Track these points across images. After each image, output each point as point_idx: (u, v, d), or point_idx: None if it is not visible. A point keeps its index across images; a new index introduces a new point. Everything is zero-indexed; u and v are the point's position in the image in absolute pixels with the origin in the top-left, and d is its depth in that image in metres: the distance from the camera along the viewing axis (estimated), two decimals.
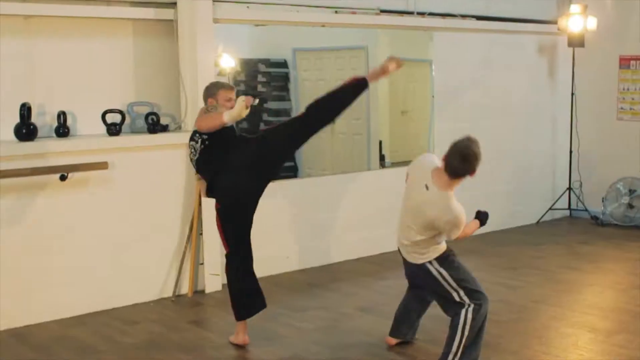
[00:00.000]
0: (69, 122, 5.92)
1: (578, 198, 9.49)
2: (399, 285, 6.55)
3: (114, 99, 6.17)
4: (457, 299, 4.71)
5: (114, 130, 6.02)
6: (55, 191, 5.73)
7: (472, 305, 4.66)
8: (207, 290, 6.44)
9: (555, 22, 9.13)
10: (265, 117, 8.76)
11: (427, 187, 4.64)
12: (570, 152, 9.45)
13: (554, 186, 9.63)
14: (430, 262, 4.80)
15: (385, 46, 8.43)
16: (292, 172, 8.63)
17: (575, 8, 8.88)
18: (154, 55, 6.38)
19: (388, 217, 7.81)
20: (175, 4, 6.30)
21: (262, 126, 8.73)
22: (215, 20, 6.42)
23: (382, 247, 7.81)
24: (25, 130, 5.63)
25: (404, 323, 5.20)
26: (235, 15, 6.67)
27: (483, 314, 4.70)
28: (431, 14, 8.08)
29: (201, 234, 6.39)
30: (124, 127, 6.11)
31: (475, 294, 4.71)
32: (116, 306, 6.04)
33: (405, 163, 8.38)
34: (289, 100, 8.85)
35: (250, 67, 8.70)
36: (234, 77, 8.61)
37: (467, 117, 8.56)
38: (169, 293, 6.31)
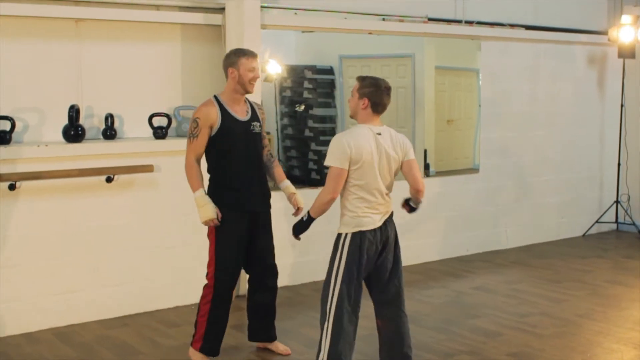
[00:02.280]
0: (116, 124, 5.99)
1: (625, 211, 9.34)
2: (441, 295, 6.55)
3: (161, 103, 6.22)
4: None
5: (160, 133, 6.07)
6: (102, 192, 5.80)
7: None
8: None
9: (605, 33, 9.02)
10: (310, 123, 8.77)
11: (379, 133, 4.35)
12: (619, 164, 9.30)
13: (601, 199, 9.49)
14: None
15: (432, 54, 8.39)
16: None
17: (626, 19, 8.75)
18: (201, 60, 6.42)
19: (431, 227, 7.79)
20: (223, 9, 6.33)
21: (307, 132, 8.74)
22: (263, 26, 6.44)
23: (425, 256, 7.78)
24: (74, 132, 5.70)
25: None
26: (282, 22, 6.69)
27: None
28: (479, 23, 8.03)
29: None
30: (170, 131, 6.16)
31: None
32: (158, 308, 6.09)
33: (450, 172, 8.41)
34: (335, 107, 8.84)
35: (297, 74, 8.71)
36: (280, 83, 8.64)
37: (514, 126, 8.49)
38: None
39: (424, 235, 7.76)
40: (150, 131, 6.09)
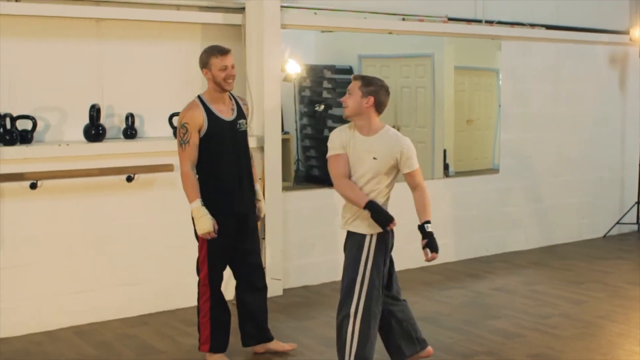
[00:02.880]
0: (137, 124, 6.01)
1: None
2: (460, 296, 6.52)
3: (181, 103, 6.14)
4: None
5: None
6: (122, 191, 5.82)
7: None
8: (268, 295, 6.42)
9: (627, 33, 8.96)
10: (330, 123, 8.76)
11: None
12: None
13: (622, 200, 9.42)
14: None
15: (452, 54, 8.37)
16: None
17: None
18: None
19: (451, 227, 7.77)
20: (243, 9, 6.35)
21: (326, 132, 8.73)
22: (283, 26, 6.45)
23: (444, 257, 7.73)
24: (94, 131, 5.72)
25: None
26: (302, 21, 6.70)
27: None
28: (499, 23, 8.01)
29: (264, 238, 6.41)
30: None
31: None
32: (178, 307, 6.10)
33: (470, 173, 8.38)
34: None
35: (316, 73, 8.70)
36: (299, 82, 8.64)
37: (534, 127, 8.45)
38: (229, 296, 6.31)
39: (443, 236, 7.71)
40: (170, 131, 6.11)
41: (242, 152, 4.89)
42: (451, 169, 8.36)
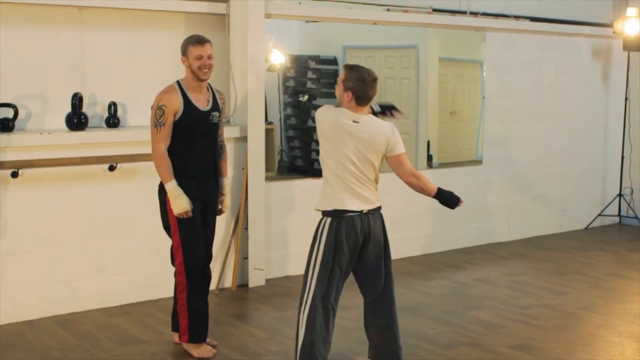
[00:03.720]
0: (119, 113, 5.97)
1: (629, 205, 9.33)
2: (442, 287, 6.55)
3: None
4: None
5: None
6: (104, 181, 5.80)
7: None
8: (251, 285, 6.46)
9: (610, 25, 8.99)
10: (313, 113, 8.74)
11: (355, 121, 4.32)
12: (622, 157, 9.29)
13: (604, 192, 9.47)
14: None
15: (436, 46, 8.38)
16: None
17: (631, 11, 8.72)
18: None
19: (433, 218, 7.78)
20: None
21: (310, 123, 8.72)
22: (267, 16, 6.43)
23: (426, 247, 7.78)
24: (77, 120, 5.68)
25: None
26: (287, 11, 6.67)
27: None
28: (484, 14, 8.01)
29: (246, 228, 6.41)
30: None
31: None
32: (160, 297, 6.08)
33: (453, 164, 8.40)
34: None
35: (300, 64, 8.70)
36: (283, 73, 8.63)
37: (517, 118, 8.48)
38: (212, 286, 6.32)
39: (426, 226, 7.76)
40: None
41: (212, 144, 4.91)
42: (434, 161, 8.38)
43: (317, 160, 8.44)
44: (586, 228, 9.24)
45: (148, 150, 5.81)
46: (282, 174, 8.34)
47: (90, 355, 4.94)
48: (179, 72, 6.16)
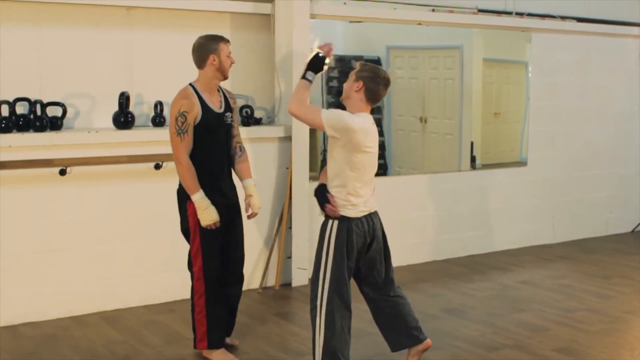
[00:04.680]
0: (165, 112, 6.03)
1: None
2: (486, 289, 6.51)
3: None
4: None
5: None
6: (150, 179, 5.85)
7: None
8: (294, 284, 6.48)
9: None
10: None
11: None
12: None
13: None
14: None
15: (480, 46, 8.32)
16: (382, 170, 8.59)
17: None
18: (250, 49, 6.44)
19: (477, 220, 7.74)
20: None
21: None
22: (312, 16, 6.45)
23: (470, 249, 7.73)
24: (124, 118, 5.76)
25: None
26: (332, 11, 6.68)
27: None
28: (530, 15, 7.95)
29: (290, 227, 6.43)
30: None
31: None
32: None
33: (496, 165, 8.34)
34: None
35: (344, 64, 8.69)
36: (326, 73, 8.63)
37: (563, 120, 8.39)
38: (256, 285, 6.36)
39: (470, 228, 7.72)
40: None
41: (228, 145, 4.86)
42: (478, 162, 8.33)
43: None
44: (632, 231, 9.11)
45: None
46: None
47: (135, 351, 4.99)
48: None
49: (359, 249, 4.35)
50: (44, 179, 5.47)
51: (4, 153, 5.26)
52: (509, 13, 7.83)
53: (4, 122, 5.33)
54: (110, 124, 5.78)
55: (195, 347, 4.87)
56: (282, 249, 6.41)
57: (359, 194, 4.34)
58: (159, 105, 5.96)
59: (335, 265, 4.29)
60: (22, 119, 5.39)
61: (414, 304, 6.02)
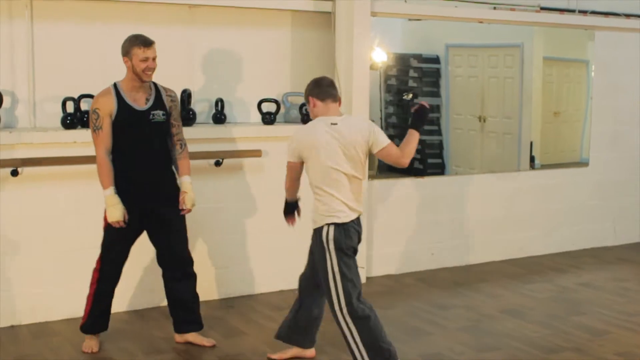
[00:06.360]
0: (226, 109, 6.08)
1: None
2: (545, 290, 6.44)
3: (270, 89, 6.29)
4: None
5: (268, 119, 6.14)
6: (210, 176, 5.90)
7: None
8: None
9: None
10: None
11: (333, 123, 4.37)
12: None
13: None
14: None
15: (541, 44, 8.23)
16: (439, 169, 8.55)
17: None
18: (310, 46, 6.46)
19: (536, 220, 7.65)
20: None
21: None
22: (373, 14, 6.43)
23: (528, 250, 7.65)
24: (185, 115, 5.81)
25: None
26: (392, 9, 6.67)
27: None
28: (593, 12, 7.82)
29: None
30: (278, 117, 6.21)
31: None
32: (262, 292, 6.17)
33: (556, 165, 8.23)
34: (440, 96, 8.77)
35: (403, 62, 8.67)
36: (385, 71, 8.61)
37: (626, 120, 8.24)
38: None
39: (528, 228, 7.63)
40: (259, 116, 6.17)
41: (156, 144, 4.80)
42: (537, 162, 8.24)
43: (418, 159, 8.45)
44: None
45: (254, 146, 5.96)
46: (381, 172, 8.34)
47: (194, 346, 5.04)
48: (285, 69, 6.30)
49: (353, 250, 4.48)
50: None
51: (69, 149, 5.35)
52: (572, 11, 7.71)
53: (69, 118, 5.45)
54: None
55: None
56: None
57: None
58: (219, 102, 6.01)
59: (343, 269, 4.38)
60: (86, 115, 5.48)
61: (472, 303, 6.02)
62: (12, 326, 5.35)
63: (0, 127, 5.34)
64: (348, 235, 4.35)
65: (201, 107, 6.06)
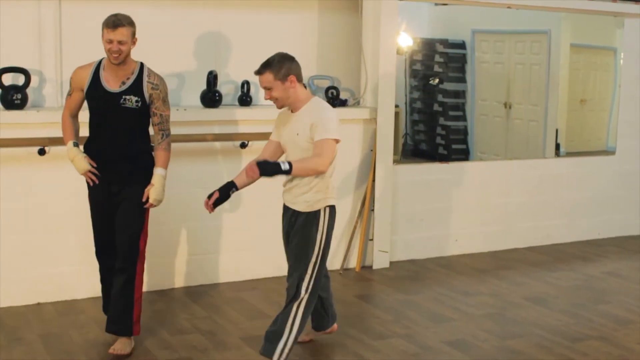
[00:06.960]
0: (252, 91, 6.07)
1: None
2: (570, 279, 6.40)
3: None
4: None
5: None
6: (235, 158, 5.90)
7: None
8: (375, 267, 6.48)
9: None
10: (440, 98, 8.68)
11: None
12: None
13: None
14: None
15: (569, 31, 8.16)
16: (464, 155, 8.52)
17: None
18: (337, 30, 6.43)
19: (561, 208, 7.60)
20: None
21: (436, 107, 8.65)
22: None
23: (553, 237, 7.60)
24: (211, 97, 5.82)
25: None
26: None
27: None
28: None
29: (373, 210, 6.42)
30: None
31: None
32: (285, 274, 6.16)
33: (581, 153, 8.16)
34: (465, 82, 8.73)
35: (428, 47, 8.63)
36: (410, 56, 8.58)
37: None
38: (337, 266, 6.38)
39: (553, 216, 7.58)
40: None
41: (121, 129, 4.54)
42: (562, 149, 8.19)
43: (442, 145, 8.42)
44: None
45: None
46: (405, 157, 8.32)
47: (218, 326, 5.07)
48: (312, 52, 6.27)
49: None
50: None
51: None
52: None
53: None
54: (198, 102, 5.85)
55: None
56: (364, 231, 6.41)
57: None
58: (245, 84, 6.01)
59: (325, 249, 4.52)
60: None
61: (497, 290, 6.00)
62: (38, 303, 5.39)
63: (27, 107, 5.36)
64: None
65: (227, 89, 6.06)
